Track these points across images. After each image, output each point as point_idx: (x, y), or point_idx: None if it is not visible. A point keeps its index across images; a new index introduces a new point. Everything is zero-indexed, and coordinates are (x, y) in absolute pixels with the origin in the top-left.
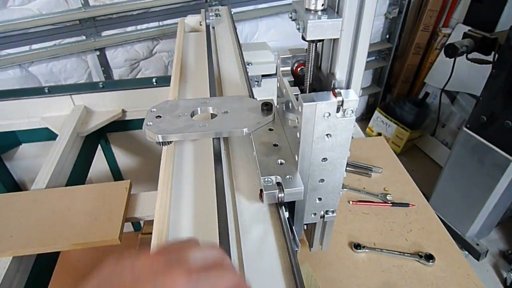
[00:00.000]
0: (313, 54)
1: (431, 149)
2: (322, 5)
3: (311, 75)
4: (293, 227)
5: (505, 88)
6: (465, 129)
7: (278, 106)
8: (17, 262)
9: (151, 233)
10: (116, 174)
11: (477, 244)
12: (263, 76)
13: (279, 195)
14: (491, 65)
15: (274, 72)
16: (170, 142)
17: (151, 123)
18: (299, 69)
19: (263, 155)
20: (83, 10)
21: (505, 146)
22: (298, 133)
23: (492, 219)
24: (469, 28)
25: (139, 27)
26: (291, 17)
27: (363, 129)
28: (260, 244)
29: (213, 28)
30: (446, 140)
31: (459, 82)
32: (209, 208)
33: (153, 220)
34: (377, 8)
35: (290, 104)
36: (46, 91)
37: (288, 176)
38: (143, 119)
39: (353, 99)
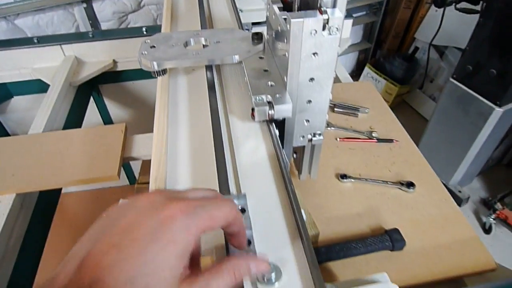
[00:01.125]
0: None
1: (419, 104)
2: None
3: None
4: (283, 151)
5: (491, 37)
6: (451, 79)
7: (268, 37)
8: (20, 199)
9: (147, 183)
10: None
11: (459, 191)
12: (253, 24)
13: (270, 112)
14: (479, 15)
15: (264, 20)
16: (165, 72)
17: (146, 52)
18: None
19: (254, 79)
20: None
21: (489, 94)
22: (286, 53)
23: (475, 168)
24: None
25: None
26: None
27: None
28: (252, 155)
29: None
30: (434, 95)
31: (448, 36)
32: (204, 128)
33: (148, 173)
34: None
35: (279, 31)
36: (36, 41)
37: (277, 95)
38: (135, 69)
39: (338, 16)
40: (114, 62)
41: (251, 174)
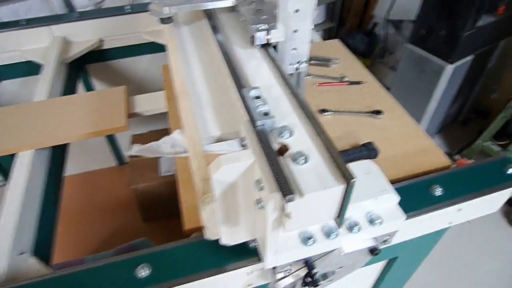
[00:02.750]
0: None
1: (381, 75)
2: None
3: None
4: None
5: (439, 2)
6: (408, 44)
7: None
8: (38, 154)
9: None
10: None
11: None
12: None
13: (267, 37)
14: None
15: None
16: (171, 20)
17: (157, 1)
18: None
19: (251, 14)
20: None
21: (441, 53)
22: None
23: (434, 124)
24: None
25: None
26: None
27: None
28: (256, 68)
29: None
30: (395, 66)
31: (403, 10)
32: (212, 58)
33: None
34: None
35: None
36: (24, 23)
37: (271, 23)
38: (121, 47)
39: None
40: (100, 40)
41: (258, 79)
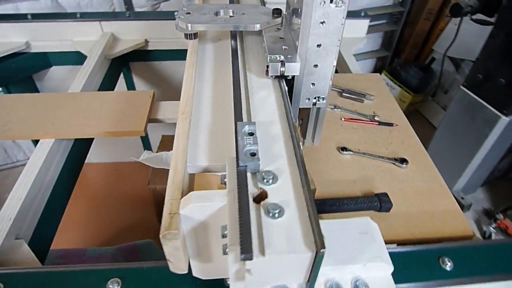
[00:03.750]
0: None
1: (431, 114)
2: None
3: None
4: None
5: (503, 47)
6: (461, 87)
7: (286, 14)
8: (58, 144)
9: None
10: None
11: (462, 198)
12: None
13: (281, 69)
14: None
15: None
16: (196, 36)
17: (182, 17)
18: None
19: (271, 43)
20: None
21: (496, 103)
22: (299, 20)
23: (479, 176)
24: None
25: None
26: None
27: None
28: (264, 100)
29: None
30: (448, 105)
31: (464, 48)
32: (226, 81)
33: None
34: None
35: (295, 7)
36: (78, 16)
37: (289, 56)
38: (165, 50)
39: None
40: (146, 41)
41: (262, 112)
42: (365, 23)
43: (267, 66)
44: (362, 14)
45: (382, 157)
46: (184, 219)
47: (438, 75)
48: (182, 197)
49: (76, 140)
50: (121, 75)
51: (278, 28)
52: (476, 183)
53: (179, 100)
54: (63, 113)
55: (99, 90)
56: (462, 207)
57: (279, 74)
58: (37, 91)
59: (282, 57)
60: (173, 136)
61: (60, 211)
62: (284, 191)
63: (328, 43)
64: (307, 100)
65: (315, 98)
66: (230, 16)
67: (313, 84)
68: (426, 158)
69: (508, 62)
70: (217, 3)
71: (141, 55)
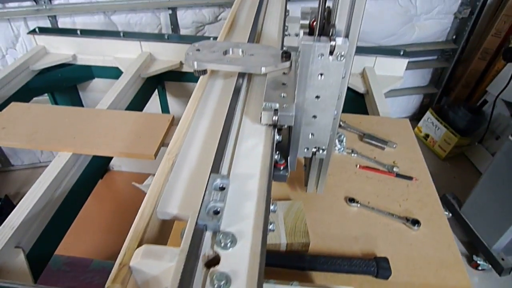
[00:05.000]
0: (322, 8)
1: (479, 160)
2: None
3: (319, 26)
4: (288, 158)
5: None
6: (510, 137)
7: (296, 57)
8: (75, 159)
9: None
10: None
11: (502, 259)
12: None
13: (274, 118)
14: None
15: None
16: (205, 72)
17: (191, 53)
18: (314, 22)
19: (271, 89)
20: None
21: None
22: (298, 70)
23: None
24: None
25: None
26: None
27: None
28: (250, 150)
29: None
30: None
31: None
32: (220, 121)
33: None
34: (447, 6)
35: None
36: (121, 35)
37: (285, 105)
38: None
39: (344, 45)
40: (181, 63)
41: (244, 164)
42: (403, 62)
43: (261, 113)
44: (401, 53)
45: (393, 215)
46: (135, 271)
47: (489, 118)
48: (138, 246)
49: (94, 156)
50: (156, 92)
51: (284, 73)
52: None
53: None
54: (86, 128)
55: (128, 107)
56: (501, 270)
57: (271, 123)
58: (79, 99)
59: (277, 106)
60: None
61: (66, 226)
62: (239, 258)
63: (327, 95)
64: (305, 150)
65: (314, 148)
66: (240, 56)
67: (312, 134)
68: (443, 222)
69: None
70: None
71: (176, 76)
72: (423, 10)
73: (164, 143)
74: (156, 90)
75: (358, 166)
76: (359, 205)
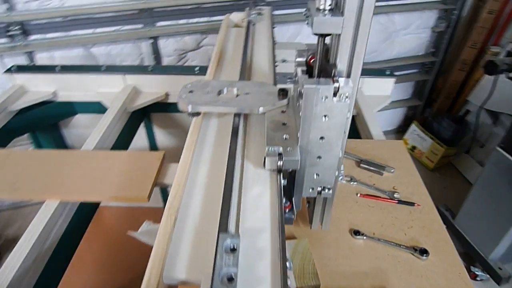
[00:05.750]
0: (321, 47)
1: (466, 168)
2: (330, 5)
3: (318, 65)
4: (293, 199)
5: None
6: (498, 148)
7: (293, 93)
8: (63, 207)
9: None
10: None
11: (500, 268)
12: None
13: (279, 163)
14: None
15: None
16: (199, 113)
17: (184, 96)
18: (311, 60)
19: (272, 130)
20: (143, 1)
21: None
22: (300, 112)
23: None
24: None
25: (190, 20)
26: (305, 15)
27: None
28: (257, 199)
29: (254, 25)
30: (484, 160)
31: (504, 102)
32: (222, 169)
33: None
34: (424, 21)
35: (300, 91)
36: (103, 69)
37: (289, 148)
38: None
39: (347, 85)
40: (167, 94)
41: (252, 217)
42: (390, 82)
43: (265, 158)
44: (388, 73)
45: (400, 245)
46: None
47: (472, 128)
48: None
49: (81, 203)
50: (142, 124)
51: (283, 111)
52: None
53: None
54: (72, 173)
55: (116, 142)
56: (499, 279)
57: (276, 168)
58: (62, 136)
59: (281, 149)
60: None
61: (58, 277)
62: None
63: (332, 136)
64: (310, 190)
65: (320, 187)
66: (236, 95)
67: (317, 174)
68: (450, 249)
69: None
70: (228, 74)
71: (162, 107)
72: (401, 26)
73: (157, 183)
74: (143, 123)
75: (358, 194)
76: (364, 237)
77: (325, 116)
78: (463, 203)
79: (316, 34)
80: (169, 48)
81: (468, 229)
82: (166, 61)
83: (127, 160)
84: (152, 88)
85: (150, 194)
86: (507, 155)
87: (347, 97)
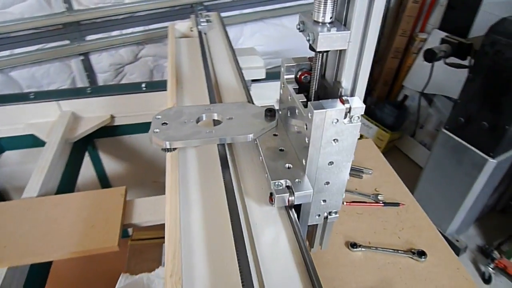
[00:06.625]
0: (320, 63)
1: (410, 150)
2: (330, 18)
3: (316, 83)
4: None
5: (482, 91)
6: (444, 130)
7: (280, 112)
8: (12, 273)
9: (141, 239)
10: (103, 181)
11: (457, 241)
12: (252, 81)
13: (289, 198)
14: (467, 69)
15: (264, 77)
16: (175, 148)
17: (157, 130)
18: (303, 76)
19: (271, 160)
20: (67, 14)
21: (482, 146)
22: (306, 139)
23: (471, 216)
24: (445, 34)
25: (124, 31)
26: (298, 28)
27: None
28: (274, 246)
29: (205, 34)
30: (425, 141)
31: (436, 85)
32: (219, 212)
33: (145, 226)
34: None
35: (295, 111)
36: (32, 97)
37: (297, 180)
38: (133, 124)
39: (359, 106)
40: (112, 117)
41: (274, 269)
42: None
43: (271, 194)
44: None
45: (397, 250)
46: None
47: (411, 111)
48: None
49: (33, 264)
50: (86, 153)
51: (275, 134)
52: (468, 222)
53: (153, 186)
54: (18, 229)
55: (62, 181)
56: (458, 250)
57: (287, 205)
58: None
59: (289, 182)
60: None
61: None
62: None
63: (341, 159)
64: (317, 217)
65: (326, 213)
66: (215, 120)
67: (324, 200)
68: (443, 245)
69: (489, 106)
70: (192, 95)
71: (107, 131)
72: None
73: (124, 225)
74: (87, 152)
75: (344, 203)
76: (362, 248)
77: (335, 140)
78: (416, 184)
79: (317, 52)
80: (103, 63)
81: (424, 209)
82: (101, 78)
83: (82, 203)
84: (94, 112)
85: (119, 239)
86: (452, 135)
87: (358, 117)
